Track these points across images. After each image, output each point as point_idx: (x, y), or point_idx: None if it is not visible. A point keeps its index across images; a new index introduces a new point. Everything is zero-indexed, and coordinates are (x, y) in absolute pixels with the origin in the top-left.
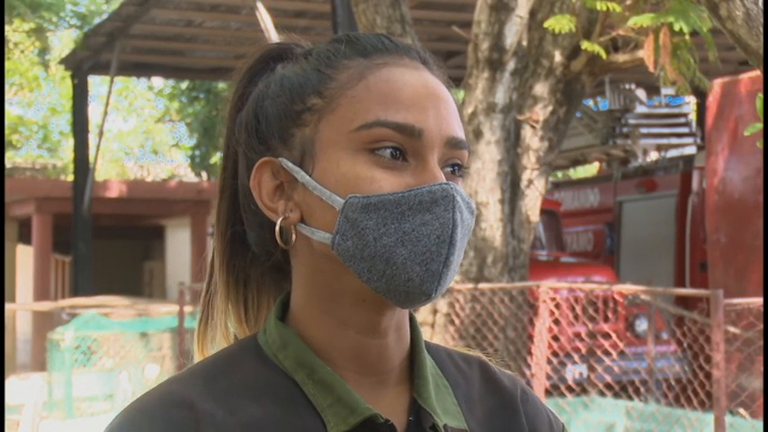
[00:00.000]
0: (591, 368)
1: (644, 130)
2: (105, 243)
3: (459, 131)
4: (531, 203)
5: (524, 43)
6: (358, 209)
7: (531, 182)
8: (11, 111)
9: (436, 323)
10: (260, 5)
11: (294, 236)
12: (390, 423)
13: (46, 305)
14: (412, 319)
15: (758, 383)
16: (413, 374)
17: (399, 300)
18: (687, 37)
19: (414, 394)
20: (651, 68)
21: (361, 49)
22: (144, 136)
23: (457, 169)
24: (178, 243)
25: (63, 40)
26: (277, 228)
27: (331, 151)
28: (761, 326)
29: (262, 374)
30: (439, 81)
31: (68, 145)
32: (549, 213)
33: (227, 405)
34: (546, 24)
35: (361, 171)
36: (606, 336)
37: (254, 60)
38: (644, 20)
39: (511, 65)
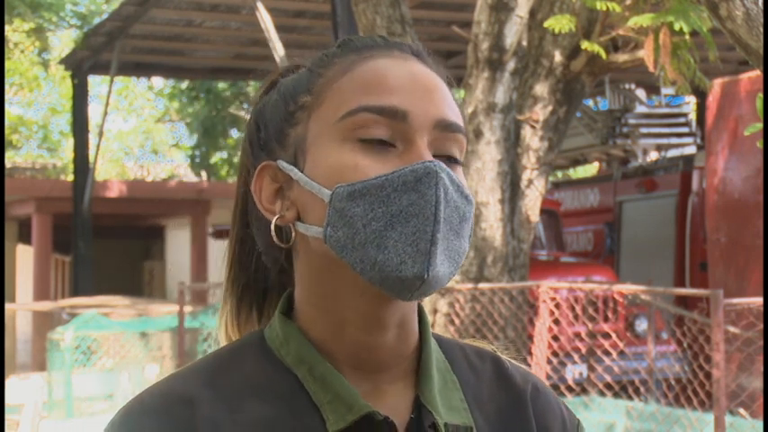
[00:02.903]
0: (591, 368)
1: (644, 130)
2: (105, 243)
3: (451, 115)
4: (531, 203)
5: (524, 43)
6: (344, 198)
7: (531, 182)
8: (11, 111)
9: (436, 323)
10: (260, 5)
11: (293, 234)
12: (390, 420)
13: (46, 305)
14: (421, 314)
15: (758, 383)
16: (419, 370)
17: (394, 289)
18: (687, 37)
19: (417, 391)
20: (651, 68)
21: (353, 47)
22: (144, 136)
23: (453, 161)
24: (178, 243)
25: (63, 40)
26: (272, 226)
27: (320, 145)
28: (761, 326)
29: (264, 370)
30: (431, 71)
31: (68, 145)
32: (549, 213)
33: (227, 402)
34: (546, 24)
35: (347, 159)
36: (606, 336)
37: (268, 82)
38: (644, 20)
39: (511, 65)
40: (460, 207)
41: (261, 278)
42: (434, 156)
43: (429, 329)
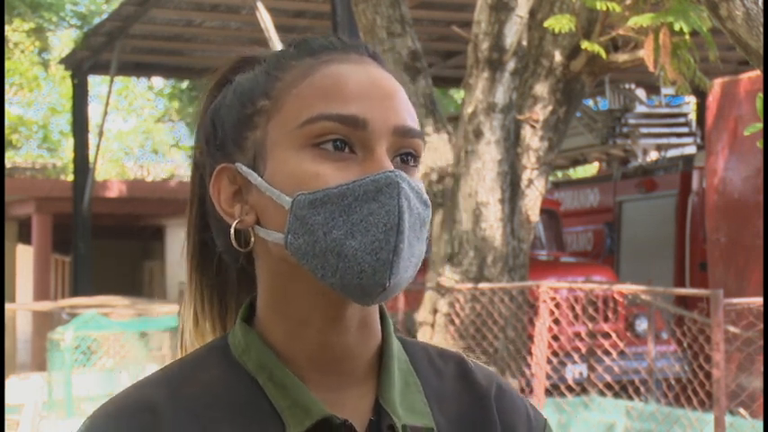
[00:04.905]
0: (591, 368)
1: (644, 130)
2: (105, 243)
3: (409, 121)
4: (531, 203)
5: (524, 43)
6: (305, 206)
7: (531, 182)
8: (11, 111)
9: (436, 323)
10: (260, 5)
11: (252, 239)
12: (349, 423)
13: (46, 305)
14: (383, 315)
15: (758, 383)
16: (380, 373)
17: (356, 295)
18: (687, 37)
19: (378, 393)
20: (651, 68)
21: (309, 49)
22: (144, 136)
23: (410, 159)
24: (178, 243)
25: (63, 40)
26: (231, 231)
27: (279, 151)
28: (761, 326)
29: (226, 377)
30: (389, 75)
31: (68, 145)
32: (549, 213)
33: (190, 409)
34: (546, 24)
35: (308, 167)
36: (606, 336)
37: (218, 76)
38: (644, 20)
39: (511, 65)
40: (421, 213)
41: (223, 280)
42: (393, 156)
43: (391, 330)
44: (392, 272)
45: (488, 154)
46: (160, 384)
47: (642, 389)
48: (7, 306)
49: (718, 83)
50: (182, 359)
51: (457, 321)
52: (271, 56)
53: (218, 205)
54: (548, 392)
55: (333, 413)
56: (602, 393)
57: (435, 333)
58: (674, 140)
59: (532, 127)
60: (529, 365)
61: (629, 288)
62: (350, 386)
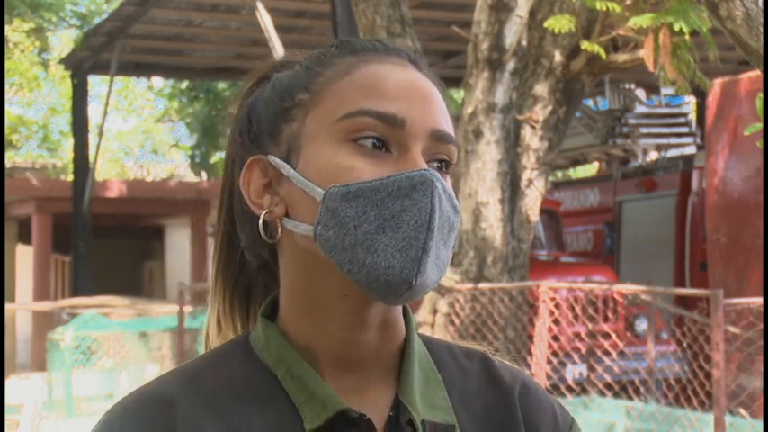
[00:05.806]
0: (591, 368)
1: (644, 130)
2: (105, 243)
3: (445, 126)
4: (531, 203)
5: (524, 43)
6: (338, 198)
7: (530, 182)
8: (11, 111)
9: (436, 323)
10: (260, 5)
11: (279, 230)
12: (366, 417)
13: (46, 305)
14: (407, 314)
15: (758, 383)
16: (401, 369)
17: (380, 292)
18: (687, 37)
19: (397, 389)
20: (651, 68)
21: (351, 48)
22: (144, 136)
23: (444, 165)
24: (178, 243)
25: (63, 40)
26: (260, 221)
27: (315, 144)
28: (761, 326)
29: (246, 371)
30: (427, 80)
31: (68, 145)
32: (549, 213)
33: (207, 402)
34: (546, 24)
35: (342, 161)
36: (606, 336)
37: (257, 75)
38: (644, 20)
39: (511, 65)
40: (450, 217)
41: (246, 276)
42: (428, 161)
43: (414, 329)
44: (419, 269)
45: (488, 154)
46: (179, 378)
47: (642, 389)
48: (7, 306)
49: (718, 83)
50: (204, 354)
51: (457, 321)
52: (313, 54)
53: (247, 196)
54: (548, 392)
55: (350, 407)
56: (602, 393)
57: (435, 333)
58: (673, 140)
59: (532, 127)
60: (529, 366)
61: (629, 288)
62: (371, 383)
